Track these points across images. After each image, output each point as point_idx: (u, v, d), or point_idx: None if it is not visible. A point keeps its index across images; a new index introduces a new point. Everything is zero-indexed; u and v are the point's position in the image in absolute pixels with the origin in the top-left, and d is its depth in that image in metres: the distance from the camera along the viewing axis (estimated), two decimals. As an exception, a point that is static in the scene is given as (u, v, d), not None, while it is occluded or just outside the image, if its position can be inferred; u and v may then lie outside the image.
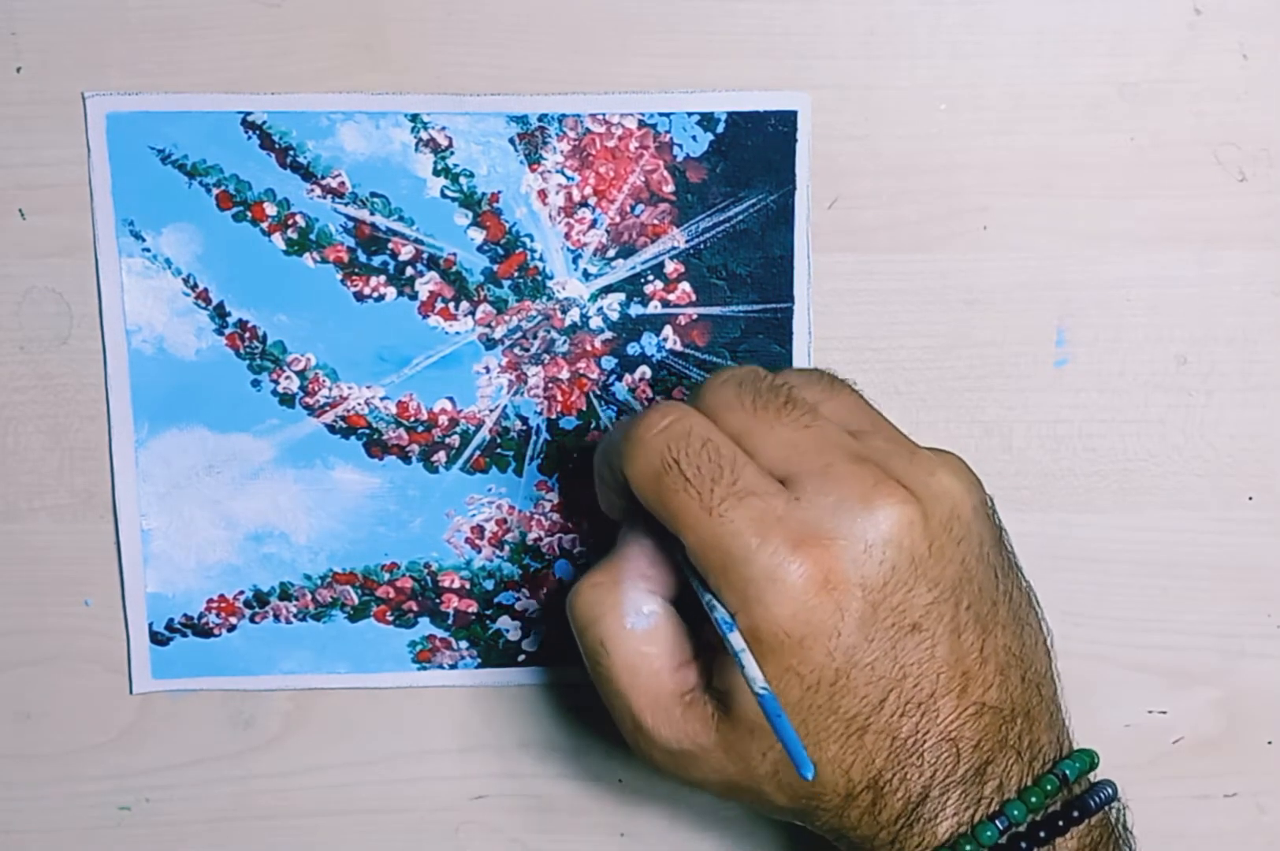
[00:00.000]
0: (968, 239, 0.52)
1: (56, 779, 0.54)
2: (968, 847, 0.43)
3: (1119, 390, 0.54)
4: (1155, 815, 0.50)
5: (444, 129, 0.51)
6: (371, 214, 0.52)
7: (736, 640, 0.43)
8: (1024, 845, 0.44)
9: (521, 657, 0.54)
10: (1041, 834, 0.44)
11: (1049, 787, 0.44)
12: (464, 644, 0.54)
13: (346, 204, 0.52)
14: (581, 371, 0.53)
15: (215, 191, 0.51)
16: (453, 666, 0.54)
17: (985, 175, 0.52)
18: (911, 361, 0.53)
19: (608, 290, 0.53)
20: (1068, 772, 0.45)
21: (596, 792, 0.55)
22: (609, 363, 0.53)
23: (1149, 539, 0.54)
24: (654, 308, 0.53)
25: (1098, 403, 0.54)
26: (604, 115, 0.51)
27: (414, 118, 0.51)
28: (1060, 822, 0.44)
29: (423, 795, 0.54)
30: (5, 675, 0.54)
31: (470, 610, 0.54)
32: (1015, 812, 0.44)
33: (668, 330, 0.53)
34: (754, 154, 0.52)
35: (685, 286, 0.53)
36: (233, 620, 0.54)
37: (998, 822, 0.43)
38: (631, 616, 0.46)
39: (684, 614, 0.47)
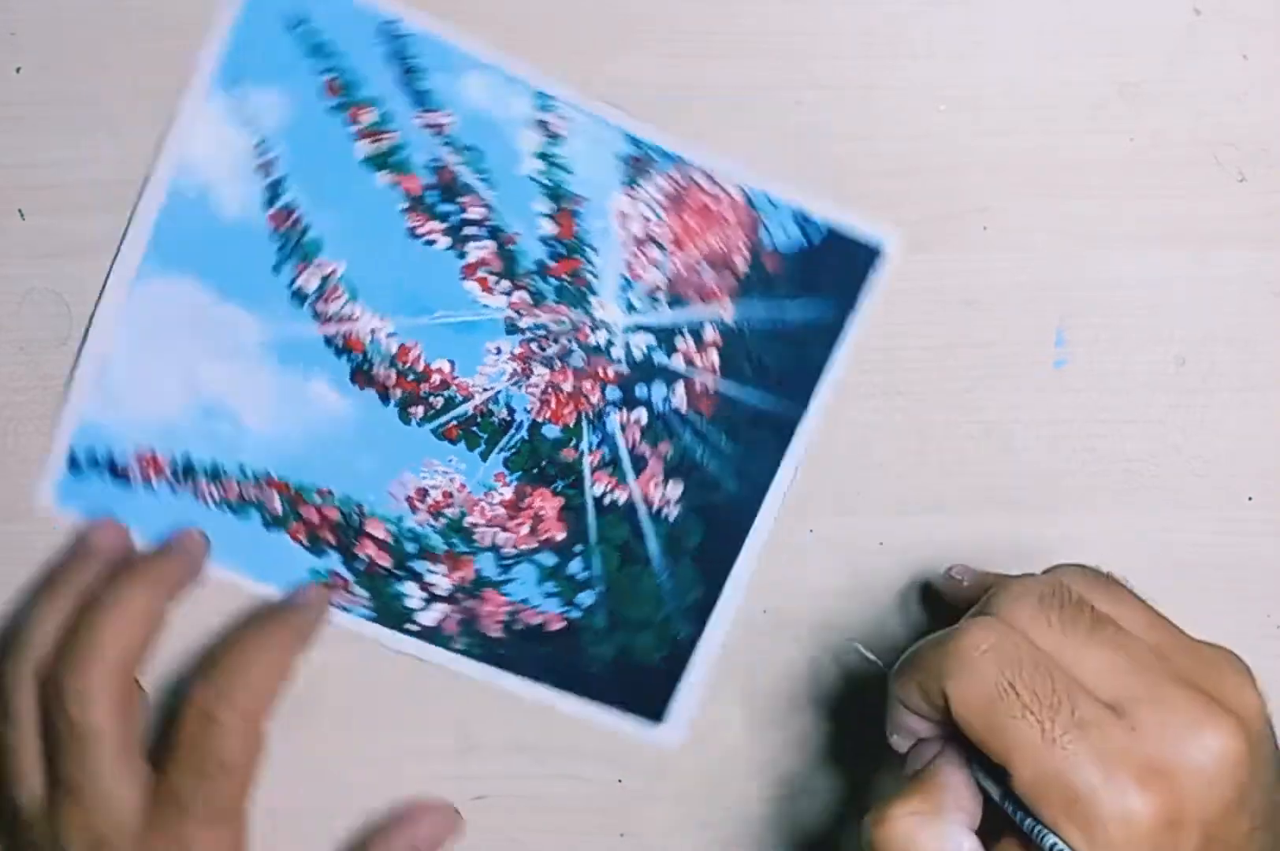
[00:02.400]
0: (968, 239, 0.52)
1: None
2: None
3: (1119, 390, 0.54)
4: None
5: (564, 118, 0.51)
6: (461, 163, 0.51)
7: None
8: None
9: (410, 627, 0.54)
10: None
11: None
12: (363, 593, 0.53)
13: (444, 143, 0.51)
14: (584, 390, 0.53)
15: (326, 77, 0.51)
16: (346, 609, 0.54)
17: (985, 175, 0.52)
18: (911, 361, 0.53)
19: (643, 328, 0.52)
20: None
21: (596, 792, 0.55)
22: (613, 393, 0.53)
23: (1149, 539, 0.54)
24: (677, 362, 0.52)
25: (1098, 403, 0.54)
26: (712, 173, 0.51)
27: (540, 95, 0.51)
28: None
29: (423, 795, 0.54)
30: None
31: (383, 563, 0.53)
32: None
33: (680, 388, 0.52)
34: (833, 273, 0.52)
35: (714, 356, 0.52)
36: (154, 478, 0.53)
37: None
38: None
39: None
